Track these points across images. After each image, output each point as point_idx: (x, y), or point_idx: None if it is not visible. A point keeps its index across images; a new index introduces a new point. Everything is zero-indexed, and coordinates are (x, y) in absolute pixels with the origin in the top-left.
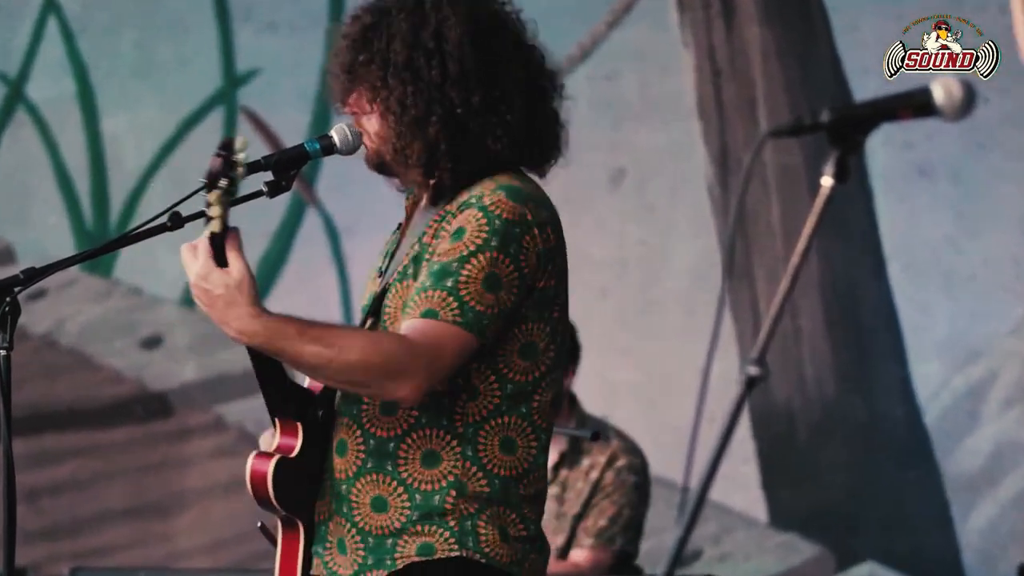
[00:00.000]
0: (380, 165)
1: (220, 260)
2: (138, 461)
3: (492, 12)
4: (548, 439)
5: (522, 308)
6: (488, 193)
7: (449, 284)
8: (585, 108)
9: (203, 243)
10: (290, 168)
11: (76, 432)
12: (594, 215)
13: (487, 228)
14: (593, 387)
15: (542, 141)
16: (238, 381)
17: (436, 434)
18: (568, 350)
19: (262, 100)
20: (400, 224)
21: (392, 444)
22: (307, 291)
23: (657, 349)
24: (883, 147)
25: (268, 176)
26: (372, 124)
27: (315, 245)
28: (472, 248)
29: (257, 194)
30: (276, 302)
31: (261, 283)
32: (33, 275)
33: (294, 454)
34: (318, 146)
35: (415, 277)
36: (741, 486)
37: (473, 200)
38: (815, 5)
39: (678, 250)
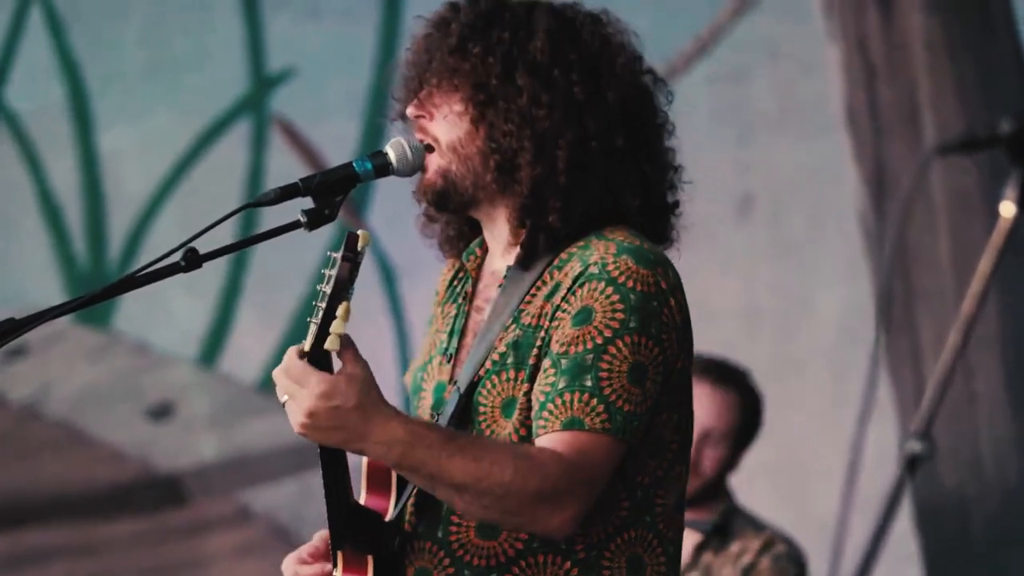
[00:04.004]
0: (444, 193)
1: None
2: (144, 561)
3: (644, 67)
4: (676, 551)
5: (662, 396)
6: (610, 258)
7: (588, 383)
8: (705, 118)
9: (295, 361)
10: (335, 193)
11: (66, 525)
12: (717, 253)
13: (622, 306)
14: None
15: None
16: (267, 461)
17: (551, 561)
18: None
19: (300, 107)
20: (465, 292)
21: None
22: (355, 343)
23: (796, 420)
24: None
25: (307, 203)
26: (451, 130)
27: (366, 288)
28: (608, 334)
29: (293, 226)
30: None
31: (301, 333)
32: (12, 328)
33: None
34: (370, 166)
35: (519, 368)
36: None
37: (594, 269)
38: None
39: (822, 296)
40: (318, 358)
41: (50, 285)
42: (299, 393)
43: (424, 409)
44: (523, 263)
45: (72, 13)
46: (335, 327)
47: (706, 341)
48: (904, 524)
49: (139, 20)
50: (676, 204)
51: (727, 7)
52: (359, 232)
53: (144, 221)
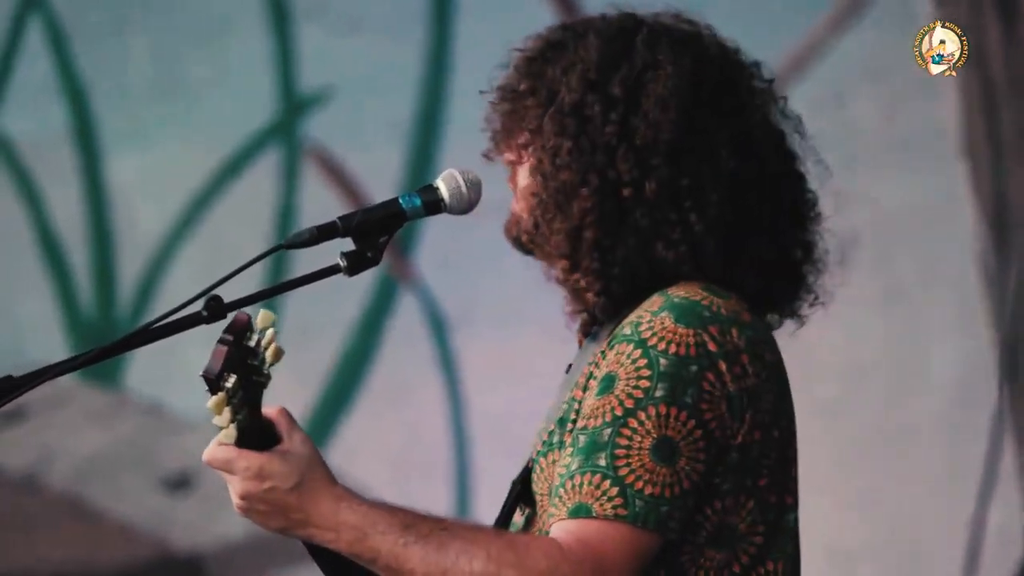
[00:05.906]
0: (517, 240)
1: (262, 445)
2: None
3: (725, 80)
4: None
5: (714, 478)
6: (647, 316)
7: (602, 462)
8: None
9: (215, 448)
10: (379, 233)
11: None
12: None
13: (648, 372)
14: (812, 551)
15: (773, 274)
16: (300, 540)
17: None
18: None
19: (337, 133)
20: (569, 366)
21: None
22: (400, 406)
23: (907, 493)
24: None
25: (347, 244)
26: (522, 177)
27: (413, 341)
28: (630, 404)
29: (332, 270)
30: (358, 423)
31: (338, 394)
32: (9, 388)
33: None
34: (419, 202)
35: (561, 447)
36: None
37: (627, 329)
38: None
39: (936, 350)
40: (252, 441)
41: (52, 338)
42: (230, 478)
43: None
44: (587, 332)
45: (75, 27)
46: (217, 421)
47: (805, 403)
48: None
49: (151, 34)
50: (784, 256)
51: (825, 19)
52: (260, 313)
53: (158, 265)
